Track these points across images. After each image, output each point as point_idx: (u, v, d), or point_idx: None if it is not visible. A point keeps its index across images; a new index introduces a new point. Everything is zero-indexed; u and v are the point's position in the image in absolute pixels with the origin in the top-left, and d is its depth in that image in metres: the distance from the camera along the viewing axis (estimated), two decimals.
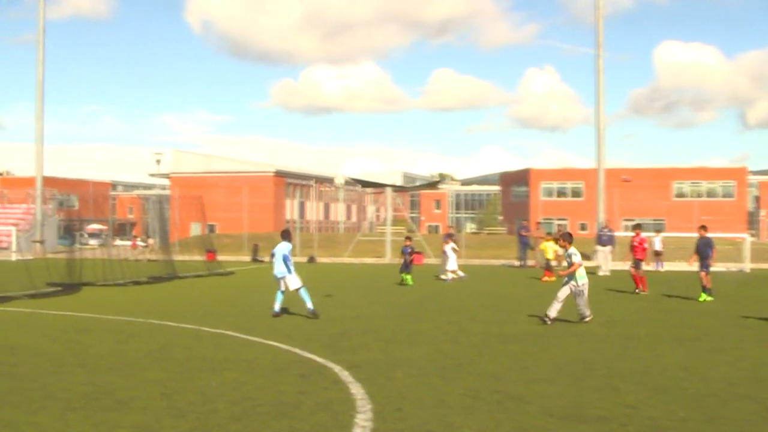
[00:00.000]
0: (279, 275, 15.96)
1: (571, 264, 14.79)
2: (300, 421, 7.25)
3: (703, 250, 20.17)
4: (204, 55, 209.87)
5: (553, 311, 14.63)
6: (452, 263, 27.74)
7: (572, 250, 14.92)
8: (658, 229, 41.52)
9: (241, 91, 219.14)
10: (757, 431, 7.13)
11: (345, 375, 9.51)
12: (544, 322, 14.63)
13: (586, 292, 14.89)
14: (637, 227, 24.17)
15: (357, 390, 8.61)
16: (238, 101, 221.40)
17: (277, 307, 15.97)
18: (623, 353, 11.48)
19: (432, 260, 39.66)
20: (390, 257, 43.12)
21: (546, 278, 27.38)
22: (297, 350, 11.51)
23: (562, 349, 11.87)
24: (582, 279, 14.77)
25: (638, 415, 7.58)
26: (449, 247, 27.75)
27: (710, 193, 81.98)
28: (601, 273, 32.17)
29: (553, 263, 27.36)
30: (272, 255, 16.24)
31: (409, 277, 25.46)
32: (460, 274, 27.80)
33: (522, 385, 9.02)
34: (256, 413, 7.56)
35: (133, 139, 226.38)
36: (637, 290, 22.07)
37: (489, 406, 7.94)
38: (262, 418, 7.35)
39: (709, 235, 20.63)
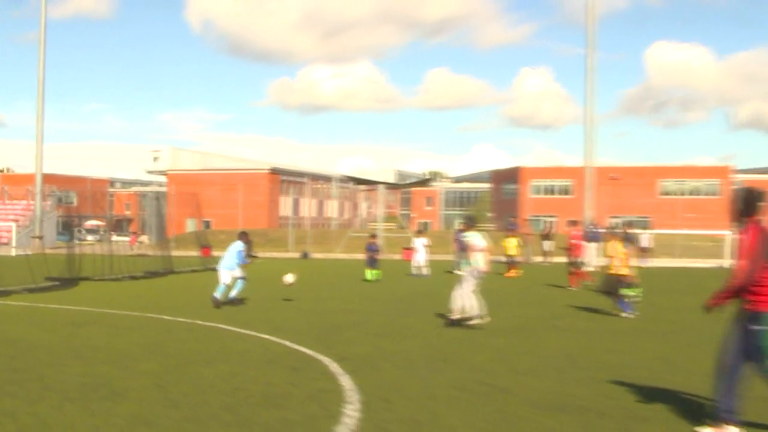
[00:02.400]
0: (222, 269, 17.64)
1: (467, 247, 13.82)
2: (290, 411, 7.46)
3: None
4: (203, 54, 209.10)
5: (474, 309, 13.64)
6: (421, 257, 28.53)
7: (472, 234, 13.94)
8: (645, 226, 41.92)
9: (240, 90, 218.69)
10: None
11: (334, 367, 9.72)
12: (459, 324, 13.62)
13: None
14: (572, 224, 24.32)
15: (346, 381, 8.82)
16: (237, 100, 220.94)
17: (219, 295, 17.19)
18: (606, 346, 11.74)
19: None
20: (381, 253, 43.31)
21: (512, 273, 27.77)
22: (288, 343, 11.73)
23: (546, 342, 12.13)
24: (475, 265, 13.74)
25: (617, 405, 7.81)
26: (419, 242, 28.75)
27: (694, 191, 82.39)
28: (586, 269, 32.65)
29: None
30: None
31: (376, 272, 26.03)
32: (423, 271, 28.24)
33: (507, 377, 9.25)
34: (247, 404, 7.77)
35: (133, 137, 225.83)
36: (570, 287, 22.43)
37: (475, 397, 8.16)
38: (254, 409, 7.56)
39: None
